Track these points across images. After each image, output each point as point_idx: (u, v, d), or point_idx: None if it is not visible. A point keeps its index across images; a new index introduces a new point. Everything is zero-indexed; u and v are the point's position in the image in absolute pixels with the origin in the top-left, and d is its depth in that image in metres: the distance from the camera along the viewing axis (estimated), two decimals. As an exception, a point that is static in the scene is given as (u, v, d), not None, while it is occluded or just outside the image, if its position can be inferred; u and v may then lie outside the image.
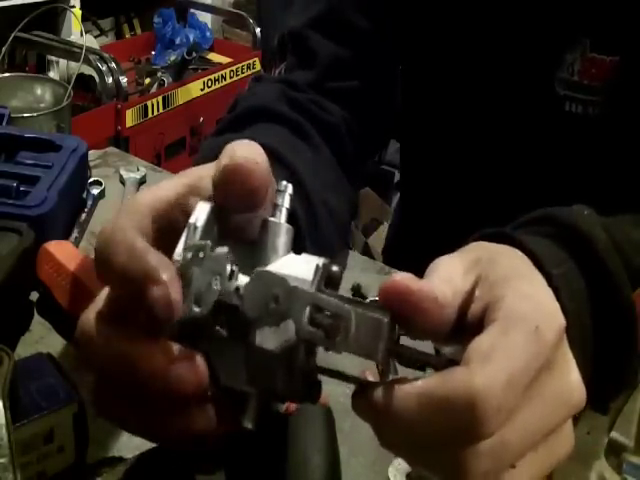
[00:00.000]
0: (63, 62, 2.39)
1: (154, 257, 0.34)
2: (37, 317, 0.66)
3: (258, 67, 2.84)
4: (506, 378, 0.31)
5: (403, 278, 0.33)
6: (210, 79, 2.64)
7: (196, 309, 0.34)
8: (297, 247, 0.38)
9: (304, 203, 0.58)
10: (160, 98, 2.45)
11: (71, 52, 2.26)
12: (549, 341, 0.33)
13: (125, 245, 0.35)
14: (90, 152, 0.92)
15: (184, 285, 0.34)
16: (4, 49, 2.12)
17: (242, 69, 2.79)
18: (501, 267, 0.36)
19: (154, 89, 2.59)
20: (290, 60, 0.77)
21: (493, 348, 0.31)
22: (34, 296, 0.67)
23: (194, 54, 2.74)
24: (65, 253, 0.66)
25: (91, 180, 0.90)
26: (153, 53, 2.95)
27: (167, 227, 0.37)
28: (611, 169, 0.74)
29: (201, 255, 0.34)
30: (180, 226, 0.37)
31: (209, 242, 0.35)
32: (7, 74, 1.92)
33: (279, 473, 0.43)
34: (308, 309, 0.33)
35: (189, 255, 0.34)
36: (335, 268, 0.35)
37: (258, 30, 2.91)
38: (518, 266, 0.37)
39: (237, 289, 0.34)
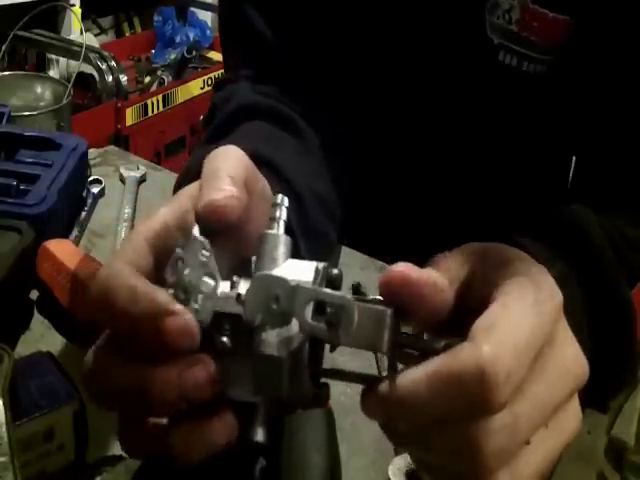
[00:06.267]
0: (63, 60, 2.39)
1: (160, 293, 0.34)
2: (37, 316, 0.66)
3: (258, 66, 2.83)
4: (512, 344, 0.31)
5: (403, 268, 0.33)
6: (210, 77, 2.64)
7: (202, 303, 0.34)
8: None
9: (287, 192, 0.57)
10: (160, 97, 2.45)
11: (71, 50, 2.26)
12: (549, 314, 0.33)
13: (124, 288, 0.34)
14: (90, 151, 0.92)
15: (187, 296, 0.34)
16: (4, 47, 2.12)
17: (242, 68, 2.78)
18: (498, 254, 0.36)
19: (154, 88, 2.59)
20: (241, 60, 0.74)
21: (496, 319, 0.32)
22: (34, 295, 0.67)
23: (194, 52, 2.74)
24: (65, 252, 0.66)
25: (91, 179, 0.90)
26: (153, 51, 2.95)
27: (170, 251, 0.37)
28: (548, 129, 0.73)
29: (180, 264, 0.34)
30: None
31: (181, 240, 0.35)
32: (7, 72, 1.92)
33: (279, 472, 0.43)
34: (311, 304, 0.33)
35: (171, 276, 0.34)
36: (335, 271, 0.35)
37: (258, 29, 2.90)
38: (514, 252, 0.37)
39: (238, 295, 0.34)
